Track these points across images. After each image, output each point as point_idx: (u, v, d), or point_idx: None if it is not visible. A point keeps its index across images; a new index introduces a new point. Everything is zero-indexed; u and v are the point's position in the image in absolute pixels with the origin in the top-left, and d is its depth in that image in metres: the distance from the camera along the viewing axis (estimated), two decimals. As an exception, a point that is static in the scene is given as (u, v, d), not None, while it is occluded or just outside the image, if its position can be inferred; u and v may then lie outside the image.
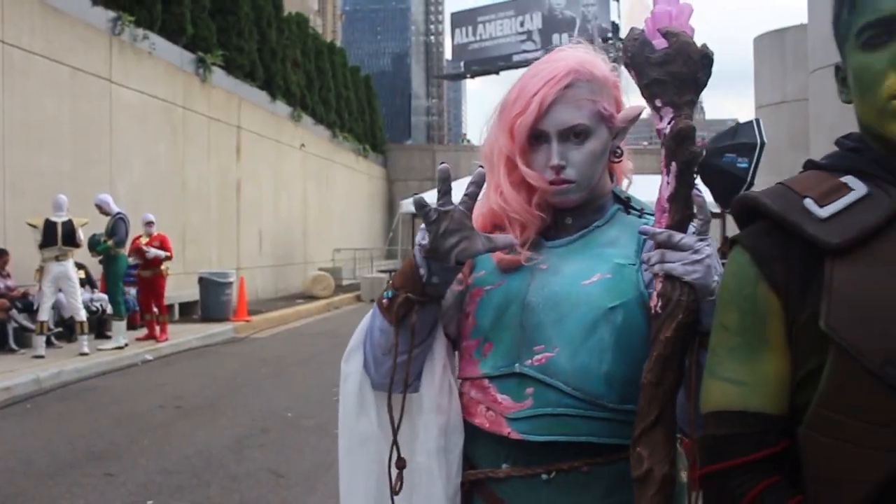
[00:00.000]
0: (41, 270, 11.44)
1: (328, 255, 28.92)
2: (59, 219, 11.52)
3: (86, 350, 11.51)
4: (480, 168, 1.54)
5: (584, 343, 1.56)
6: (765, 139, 6.26)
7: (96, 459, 6.73)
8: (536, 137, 1.62)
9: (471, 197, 1.51)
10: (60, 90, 14.19)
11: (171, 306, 16.49)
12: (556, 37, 69.70)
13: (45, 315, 11.41)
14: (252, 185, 22.41)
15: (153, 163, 17.35)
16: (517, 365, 1.59)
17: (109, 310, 12.87)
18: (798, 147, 18.79)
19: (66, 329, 12.54)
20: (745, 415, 1.23)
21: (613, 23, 66.75)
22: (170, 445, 7.19)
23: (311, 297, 22.81)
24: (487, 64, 68.53)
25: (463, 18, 73.61)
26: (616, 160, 1.71)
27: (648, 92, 1.48)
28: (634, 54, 1.47)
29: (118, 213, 12.29)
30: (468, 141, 71.13)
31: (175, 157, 18.49)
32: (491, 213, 1.68)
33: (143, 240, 13.30)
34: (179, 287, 17.41)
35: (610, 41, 66.12)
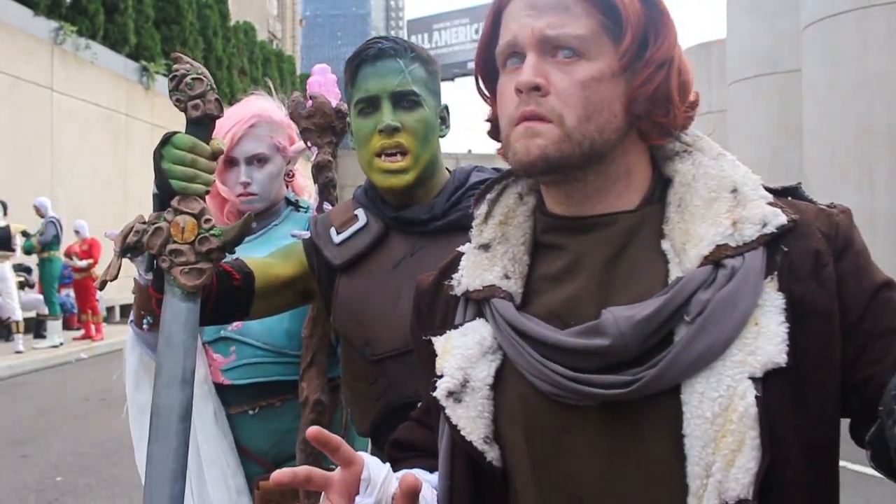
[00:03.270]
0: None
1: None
2: (-6, 224, 12.05)
3: (20, 348, 12.02)
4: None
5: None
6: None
7: (14, 444, 7.30)
8: (230, 162, 2.30)
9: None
10: (0, 99, 14.66)
11: (111, 308, 16.99)
12: (510, 45, 70.71)
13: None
14: (197, 190, 22.85)
15: (95, 169, 17.82)
16: (222, 331, 2.25)
17: (45, 310, 13.36)
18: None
19: (2, 329, 13.03)
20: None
21: (566, 31, 67.60)
22: (86, 432, 7.77)
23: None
24: (443, 71, 69.16)
25: (419, 26, 74.26)
26: (289, 180, 2.40)
27: (302, 136, 2.18)
28: (292, 112, 2.17)
29: (51, 218, 12.79)
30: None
31: (117, 163, 18.95)
32: None
33: (76, 247, 13.75)
34: (122, 290, 17.87)
35: (563, 49, 67.25)
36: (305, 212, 2.41)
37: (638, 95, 1.09)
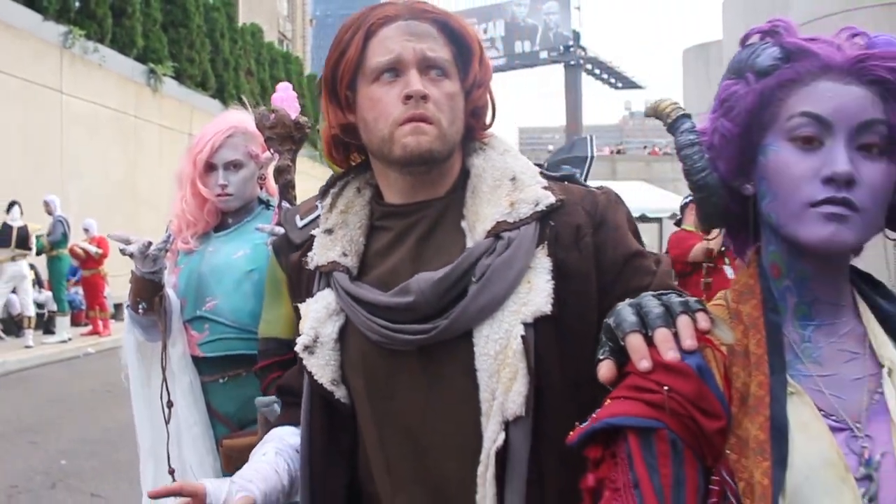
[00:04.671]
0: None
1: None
2: (15, 224, 12.49)
3: (30, 343, 12.45)
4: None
5: (235, 292, 2.60)
6: (594, 153, 7.32)
7: (23, 431, 7.70)
8: (209, 167, 2.66)
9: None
10: (10, 101, 15.07)
11: (119, 305, 17.37)
12: (518, 44, 70.45)
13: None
14: (204, 190, 23.26)
15: (104, 169, 18.22)
16: (198, 311, 2.62)
17: (55, 307, 13.76)
18: (720, 154, 19.94)
19: (14, 325, 13.45)
20: (268, 339, 2.20)
21: (574, 31, 67.65)
22: (92, 421, 8.14)
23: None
24: (451, 70, 69.10)
25: (427, 26, 74.28)
26: (261, 182, 2.75)
27: (266, 144, 2.53)
28: (257, 123, 2.52)
29: (58, 217, 13.21)
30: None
31: (127, 163, 19.35)
32: (182, 216, 2.72)
33: (82, 244, 14.10)
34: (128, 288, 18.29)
35: (571, 49, 67.26)
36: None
37: (475, 106, 1.47)
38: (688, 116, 1.22)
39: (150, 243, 2.52)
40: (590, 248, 1.38)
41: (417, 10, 1.45)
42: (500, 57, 68.50)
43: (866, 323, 1.15)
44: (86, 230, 14.14)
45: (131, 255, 2.52)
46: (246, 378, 2.61)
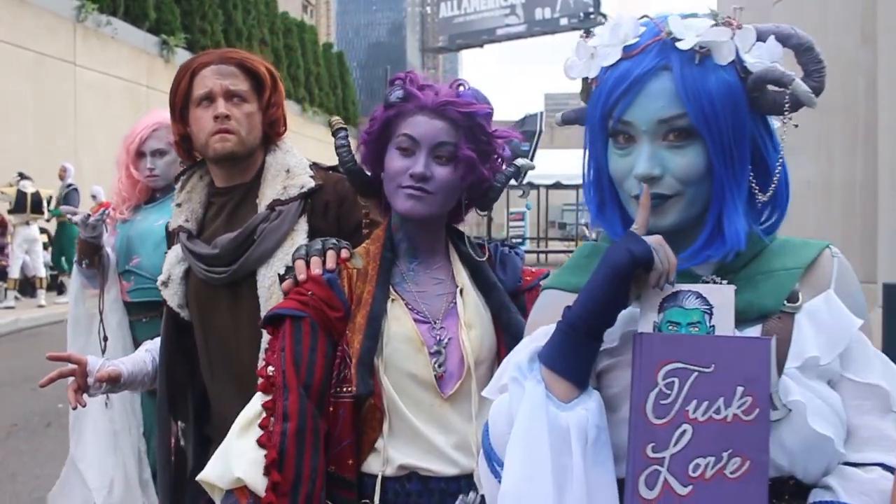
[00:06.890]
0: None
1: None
2: (28, 190, 13.38)
3: (42, 303, 13.34)
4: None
5: (154, 252, 3.29)
6: (542, 129, 8.12)
7: (27, 380, 8.51)
8: (140, 154, 3.36)
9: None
10: (25, 73, 15.87)
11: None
12: (538, 11, 69.84)
13: (16, 273, 13.40)
14: (216, 157, 24.01)
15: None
16: (127, 266, 3.34)
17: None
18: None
19: (28, 286, 14.33)
20: None
21: (594, -2, 67.20)
22: (90, 372, 8.92)
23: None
24: (471, 38, 69.08)
25: (448, -8, 74.27)
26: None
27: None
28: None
29: (70, 185, 14.04)
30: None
31: (139, 132, 20.13)
32: (119, 193, 3.43)
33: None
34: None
35: (591, 15, 66.96)
36: None
37: (270, 120, 2.20)
38: (344, 129, 1.89)
39: (89, 215, 3.24)
40: (334, 217, 2.13)
41: (225, 57, 2.21)
42: (519, 24, 68.31)
43: (452, 261, 1.85)
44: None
45: (76, 224, 3.25)
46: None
